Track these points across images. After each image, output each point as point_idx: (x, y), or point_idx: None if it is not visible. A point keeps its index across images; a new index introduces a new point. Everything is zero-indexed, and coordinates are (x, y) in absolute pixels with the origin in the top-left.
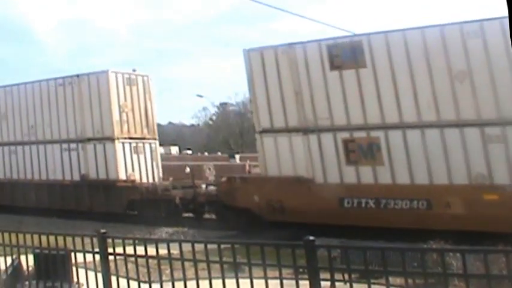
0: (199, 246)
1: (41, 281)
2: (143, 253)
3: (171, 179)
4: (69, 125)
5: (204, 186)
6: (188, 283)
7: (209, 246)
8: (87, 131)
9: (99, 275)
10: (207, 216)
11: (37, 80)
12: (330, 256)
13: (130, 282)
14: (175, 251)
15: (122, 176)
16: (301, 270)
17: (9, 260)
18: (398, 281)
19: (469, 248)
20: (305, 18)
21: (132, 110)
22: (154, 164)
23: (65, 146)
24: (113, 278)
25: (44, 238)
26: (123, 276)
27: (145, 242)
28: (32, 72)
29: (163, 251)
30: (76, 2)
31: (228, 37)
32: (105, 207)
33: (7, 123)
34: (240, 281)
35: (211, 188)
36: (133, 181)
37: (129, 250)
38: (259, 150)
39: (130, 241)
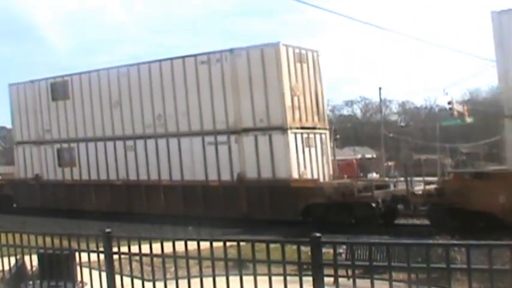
0: (204, 244)
1: (45, 281)
2: (148, 252)
3: (345, 176)
4: (217, 112)
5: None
6: (192, 281)
7: (215, 244)
8: (244, 120)
9: (104, 274)
10: (416, 221)
11: (167, 58)
12: (335, 252)
13: (134, 280)
14: (180, 249)
15: (295, 174)
16: (305, 266)
17: (13, 260)
18: (401, 276)
19: (474, 243)
20: (325, 10)
21: (303, 93)
22: (324, 158)
23: (209, 139)
24: (117, 277)
25: (48, 239)
26: (127, 275)
27: (150, 241)
28: (36, 71)
29: (168, 250)
30: None
31: (239, 30)
32: (269, 213)
33: (121, 112)
34: (244, 278)
35: (429, 187)
36: (315, 181)
37: (135, 249)
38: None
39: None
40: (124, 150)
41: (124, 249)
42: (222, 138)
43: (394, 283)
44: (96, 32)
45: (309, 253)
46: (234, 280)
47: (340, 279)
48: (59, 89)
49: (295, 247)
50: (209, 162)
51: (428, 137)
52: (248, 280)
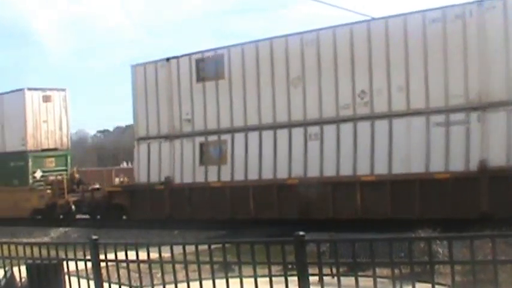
0: (190, 248)
1: None
2: (134, 258)
3: None
4: (452, 83)
5: None
6: (179, 285)
7: (200, 247)
8: (493, 91)
9: (92, 282)
10: None
11: (380, 18)
12: (318, 250)
13: (122, 287)
14: (166, 254)
15: None
16: (290, 266)
17: (1, 272)
18: (385, 272)
19: (455, 235)
20: (319, 2)
21: None
22: None
23: (436, 118)
24: (105, 285)
25: (36, 249)
26: (114, 282)
27: (136, 247)
28: (32, 78)
29: (154, 255)
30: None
31: (233, 29)
32: None
33: (303, 91)
34: (231, 280)
35: None
36: None
37: (121, 256)
38: None
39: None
40: (303, 140)
41: (111, 256)
42: (457, 116)
43: (378, 279)
44: (93, 36)
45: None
46: (221, 283)
47: (325, 278)
48: (208, 67)
49: (279, 247)
50: (434, 148)
51: None
52: (235, 282)
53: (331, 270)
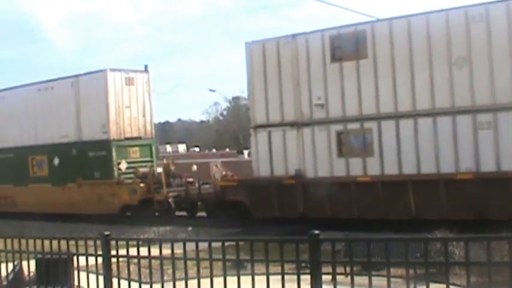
0: (203, 245)
1: (42, 286)
2: (146, 254)
3: None
4: None
5: None
6: (190, 282)
7: (213, 244)
8: None
9: (101, 278)
10: None
11: None
12: (333, 249)
13: (132, 283)
14: (179, 250)
15: None
16: (303, 264)
17: (12, 266)
18: (400, 271)
19: (472, 236)
20: (327, 3)
21: None
22: None
23: None
24: (114, 280)
25: (47, 243)
26: (124, 278)
27: (148, 243)
28: (41, 73)
29: (167, 252)
30: None
31: (243, 27)
32: None
33: (470, 72)
34: (242, 278)
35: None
36: None
37: (133, 252)
38: None
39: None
40: (472, 128)
41: (123, 251)
42: None
43: (392, 279)
44: (101, 32)
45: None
46: (233, 281)
47: (338, 277)
48: (346, 45)
49: (293, 246)
50: None
51: None
52: (246, 280)
53: (345, 269)
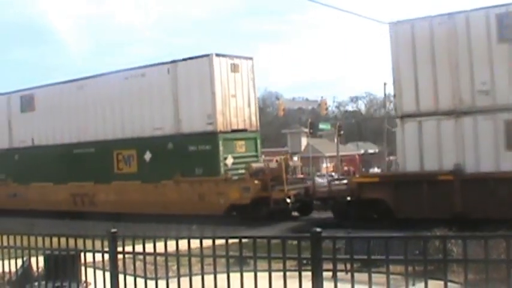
0: (207, 242)
1: (50, 282)
2: (152, 251)
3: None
4: None
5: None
6: (194, 278)
7: (217, 241)
8: None
9: (107, 274)
10: None
11: None
12: (334, 247)
13: (138, 279)
14: (183, 247)
15: None
16: (304, 261)
17: (21, 262)
18: (399, 269)
19: (470, 235)
20: (336, 9)
21: None
22: None
23: None
24: (120, 277)
25: (55, 240)
26: (130, 274)
27: (154, 240)
28: (53, 75)
29: (172, 249)
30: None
31: (251, 30)
32: None
33: None
34: (245, 274)
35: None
36: None
37: (139, 249)
38: None
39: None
40: None
41: (128, 248)
42: None
43: (391, 276)
44: (110, 34)
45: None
46: (236, 277)
47: (339, 273)
48: None
49: (295, 243)
50: None
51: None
52: (248, 276)
53: (345, 266)
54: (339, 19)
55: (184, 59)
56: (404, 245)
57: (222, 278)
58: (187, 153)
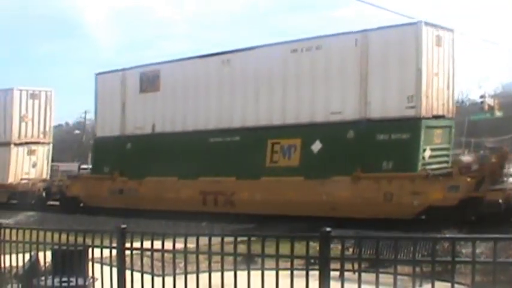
0: (215, 240)
1: (57, 276)
2: (160, 247)
3: None
4: None
5: None
6: (201, 275)
7: (225, 239)
8: None
9: (114, 270)
10: None
11: None
12: (343, 246)
13: (144, 275)
14: (191, 244)
15: None
16: (312, 261)
17: (28, 257)
18: (407, 269)
19: (479, 236)
20: (370, 4)
21: None
22: None
23: None
24: (128, 273)
25: (64, 235)
26: (137, 270)
27: (163, 236)
28: (79, 68)
29: (180, 245)
30: None
31: (286, 26)
32: None
33: None
34: (252, 272)
35: None
36: None
37: (147, 245)
38: None
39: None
40: None
41: (136, 244)
42: None
43: (398, 276)
44: (143, 29)
45: (317, 248)
46: (242, 275)
47: (346, 273)
48: None
49: (303, 242)
50: None
51: (456, 132)
52: (255, 275)
53: (353, 266)
54: (378, 16)
55: (379, 28)
56: (413, 245)
57: (229, 275)
58: (373, 143)
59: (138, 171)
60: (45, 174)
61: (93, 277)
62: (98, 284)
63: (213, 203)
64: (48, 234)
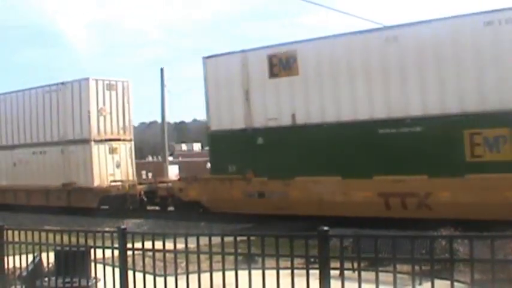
0: (215, 240)
1: (60, 277)
2: (161, 248)
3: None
4: None
5: None
6: (202, 275)
7: (225, 239)
8: None
9: (117, 270)
10: None
11: None
12: (341, 245)
13: (146, 276)
14: (192, 244)
15: None
16: (312, 260)
17: (31, 258)
18: (406, 268)
19: (476, 234)
20: (334, 10)
21: None
22: None
23: None
24: (130, 273)
25: (66, 236)
26: (139, 271)
27: (163, 237)
28: (61, 76)
29: (181, 245)
30: (105, 3)
31: (251, 34)
32: None
33: None
34: (253, 272)
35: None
36: None
37: (148, 245)
38: None
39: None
40: None
41: (138, 245)
42: None
43: (398, 275)
44: (118, 37)
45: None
46: (243, 274)
47: (346, 272)
48: None
49: (302, 241)
50: None
51: None
52: (257, 274)
53: (352, 265)
54: (345, 23)
55: None
56: (411, 244)
57: (230, 275)
58: None
59: (282, 171)
60: (131, 176)
61: (95, 277)
62: (100, 285)
63: (399, 206)
64: (50, 234)
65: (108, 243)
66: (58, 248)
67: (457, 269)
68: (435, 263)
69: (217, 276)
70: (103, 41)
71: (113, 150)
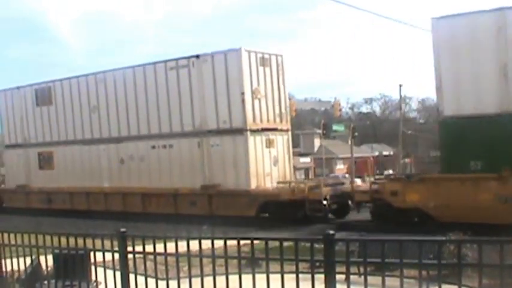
0: (218, 243)
1: (60, 281)
2: (163, 251)
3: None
4: None
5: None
6: (205, 279)
7: (228, 242)
8: None
9: (118, 274)
10: None
11: None
12: (347, 249)
13: (148, 279)
14: (194, 248)
15: None
16: (317, 264)
17: (29, 261)
18: (413, 272)
19: (485, 239)
20: (346, 5)
21: None
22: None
23: None
24: (131, 276)
25: (64, 239)
26: (141, 274)
27: (165, 240)
28: (53, 72)
29: (183, 249)
30: None
31: (256, 28)
32: None
33: None
34: (257, 276)
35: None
36: None
37: (149, 248)
38: None
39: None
40: None
41: (139, 248)
42: None
43: (405, 280)
44: (114, 32)
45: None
46: (246, 278)
47: (352, 276)
48: None
49: (307, 245)
50: None
51: None
52: (260, 278)
53: (359, 269)
54: (352, 17)
55: None
56: (419, 248)
57: (233, 279)
58: None
59: None
60: (289, 176)
61: (96, 281)
62: None
63: None
64: (48, 238)
65: (108, 246)
66: (56, 251)
67: (465, 274)
68: (443, 268)
69: (221, 280)
70: (98, 36)
71: (269, 143)
